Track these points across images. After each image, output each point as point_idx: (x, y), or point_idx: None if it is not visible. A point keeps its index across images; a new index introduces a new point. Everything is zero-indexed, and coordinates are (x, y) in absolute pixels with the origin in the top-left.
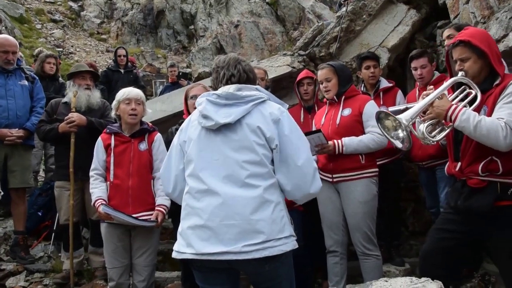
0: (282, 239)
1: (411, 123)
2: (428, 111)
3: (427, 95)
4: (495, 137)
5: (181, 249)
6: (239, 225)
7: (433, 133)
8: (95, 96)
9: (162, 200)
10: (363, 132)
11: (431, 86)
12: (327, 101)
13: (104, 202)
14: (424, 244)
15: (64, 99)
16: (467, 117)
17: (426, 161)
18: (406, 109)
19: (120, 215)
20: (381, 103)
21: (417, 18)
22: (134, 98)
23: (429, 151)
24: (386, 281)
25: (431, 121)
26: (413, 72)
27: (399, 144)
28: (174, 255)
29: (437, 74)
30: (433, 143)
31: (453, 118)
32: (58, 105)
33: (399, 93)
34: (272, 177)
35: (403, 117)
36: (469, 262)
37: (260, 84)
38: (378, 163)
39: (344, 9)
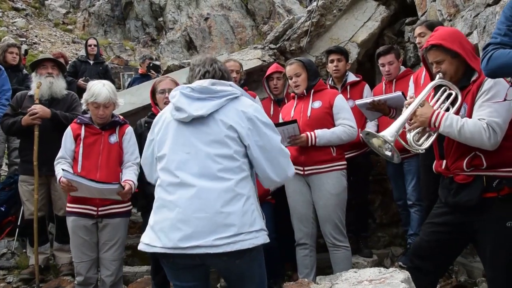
0: (253, 233)
1: (396, 137)
2: (412, 120)
3: (409, 103)
4: (479, 138)
5: (152, 242)
6: (210, 218)
7: (421, 141)
8: (59, 84)
9: (129, 176)
10: (333, 125)
11: (412, 94)
12: (295, 95)
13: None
14: (416, 238)
15: (30, 92)
16: (450, 123)
17: None
18: (373, 102)
19: (83, 181)
20: (348, 96)
21: (386, 14)
22: (102, 104)
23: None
24: (355, 272)
25: (416, 130)
26: (381, 68)
27: (391, 158)
28: (143, 247)
29: (403, 69)
30: (422, 151)
31: (436, 124)
32: (24, 98)
33: (366, 87)
34: (244, 171)
35: (387, 134)
36: (453, 259)
37: (235, 76)
38: (346, 156)
39: (314, 3)
